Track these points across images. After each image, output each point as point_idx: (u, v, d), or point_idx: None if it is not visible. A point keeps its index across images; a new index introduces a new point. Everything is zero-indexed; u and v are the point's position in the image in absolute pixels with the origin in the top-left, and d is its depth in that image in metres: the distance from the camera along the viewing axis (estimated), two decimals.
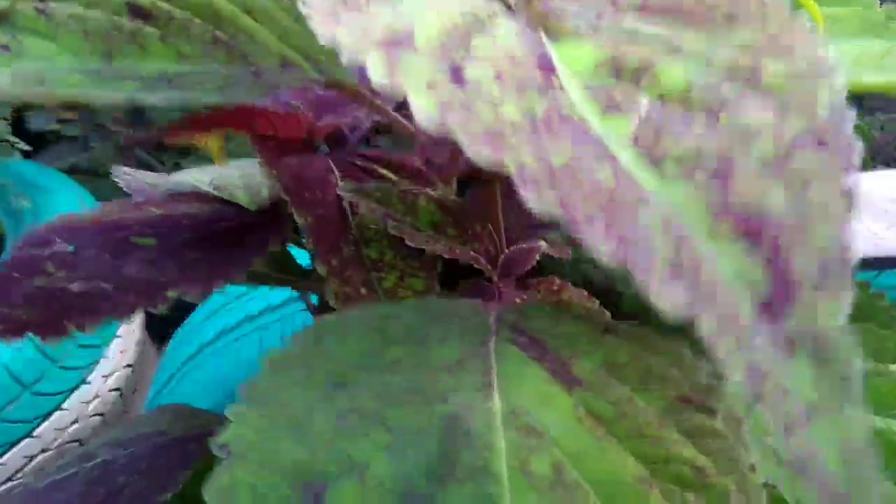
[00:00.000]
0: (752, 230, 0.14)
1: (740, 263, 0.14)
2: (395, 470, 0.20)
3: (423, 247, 0.29)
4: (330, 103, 0.33)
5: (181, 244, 0.29)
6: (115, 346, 0.87)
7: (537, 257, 0.31)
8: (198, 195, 0.33)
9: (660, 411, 0.22)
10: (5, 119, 0.88)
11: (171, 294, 0.26)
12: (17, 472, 0.75)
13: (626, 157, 0.16)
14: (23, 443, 0.75)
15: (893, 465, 0.31)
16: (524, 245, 0.31)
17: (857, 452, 0.12)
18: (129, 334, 0.90)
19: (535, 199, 0.15)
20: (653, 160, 0.16)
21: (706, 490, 0.20)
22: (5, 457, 0.74)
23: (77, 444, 0.82)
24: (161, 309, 0.26)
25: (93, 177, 1.14)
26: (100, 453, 0.41)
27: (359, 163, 0.32)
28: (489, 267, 0.30)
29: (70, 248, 0.29)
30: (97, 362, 0.82)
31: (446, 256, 0.29)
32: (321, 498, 0.20)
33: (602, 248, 0.14)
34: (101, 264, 0.28)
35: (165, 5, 0.27)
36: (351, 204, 0.30)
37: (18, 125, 1.10)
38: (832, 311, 0.13)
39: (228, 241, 0.30)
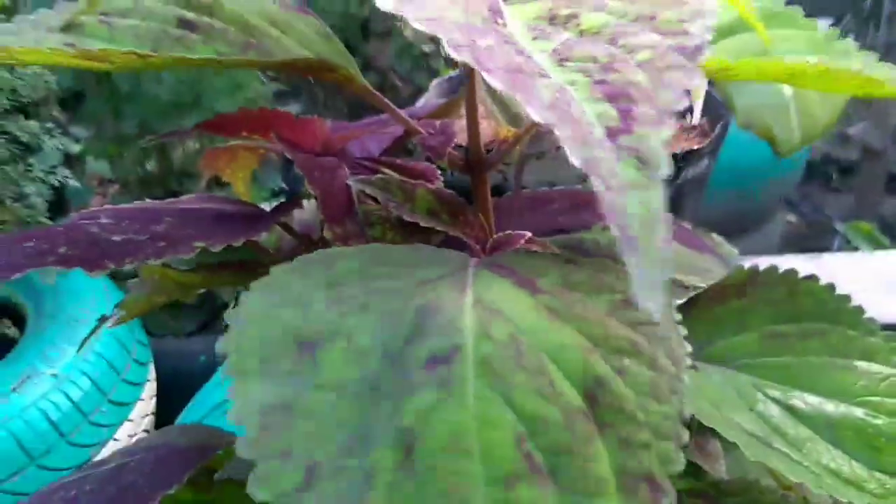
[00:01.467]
0: (617, 94, 0.19)
1: (603, 109, 0.19)
2: (375, 337, 0.23)
3: (420, 222, 0.33)
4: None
5: (202, 219, 0.34)
6: (139, 408, 0.90)
7: (522, 242, 0.34)
8: (216, 198, 0.38)
9: (605, 309, 0.25)
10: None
11: (197, 244, 0.30)
12: None
13: (540, 57, 0.21)
14: None
15: (857, 446, 0.33)
16: (511, 232, 0.35)
17: (652, 214, 0.16)
18: (150, 398, 0.93)
19: (458, 56, 0.19)
20: (560, 61, 0.21)
21: (639, 356, 0.23)
22: None
23: None
24: (188, 256, 0.30)
25: None
26: (112, 461, 0.44)
27: (366, 164, 0.37)
28: (477, 247, 0.34)
29: (112, 221, 0.34)
30: (125, 421, 0.85)
31: (439, 229, 0.33)
32: (313, 354, 0.23)
33: (497, 83, 0.18)
34: (136, 225, 0.32)
35: (207, 19, 0.33)
36: (358, 197, 0.35)
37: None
38: (656, 138, 0.17)
39: (240, 221, 0.34)
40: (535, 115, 0.18)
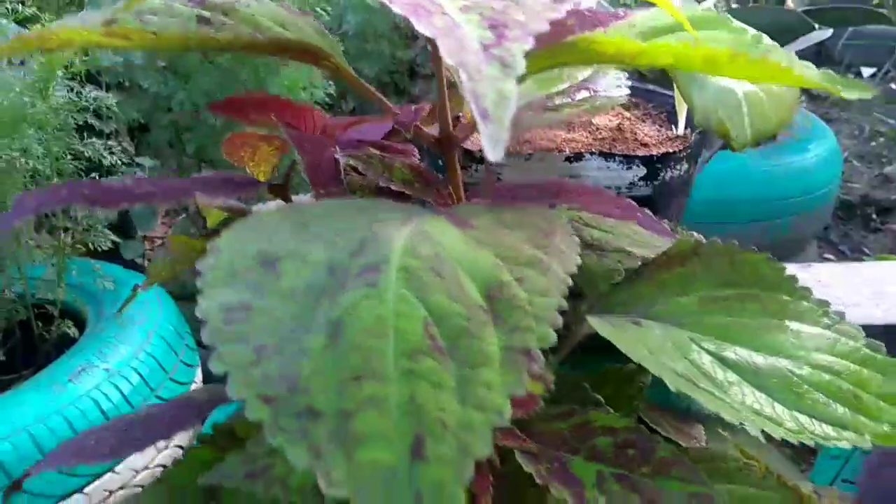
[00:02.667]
0: (498, 25, 0.24)
1: (484, 33, 0.24)
2: (326, 256, 0.29)
3: (394, 188, 0.39)
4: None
5: (209, 183, 0.40)
6: None
7: None
8: (229, 173, 0.44)
9: (523, 238, 0.30)
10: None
11: (198, 194, 0.37)
12: None
13: (451, 9, 0.26)
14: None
15: (780, 392, 0.37)
16: (478, 200, 0.40)
17: (504, 96, 0.22)
18: None
19: (389, 6, 0.25)
20: (464, 7, 0.26)
21: (537, 267, 0.28)
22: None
23: None
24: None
25: None
26: (143, 412, 0.50)
27: (356, 144, 0.42)
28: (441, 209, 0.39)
29: (139, 183, 0.40)
30: None
31: (410, 194, 0.38)
32: (274, 268, 0.28)
33: (398, 9, 0.24)
34: (153, 183, 0.39)
35: (222, 17, 0.39)
36: (345, 169, 0.41)
37: None
38: (518, 49, 0.23)
39: (238, 185, 0.40)
40: (423, 30, 0.23)
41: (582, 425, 0.37)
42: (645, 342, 0.38)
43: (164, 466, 0.96)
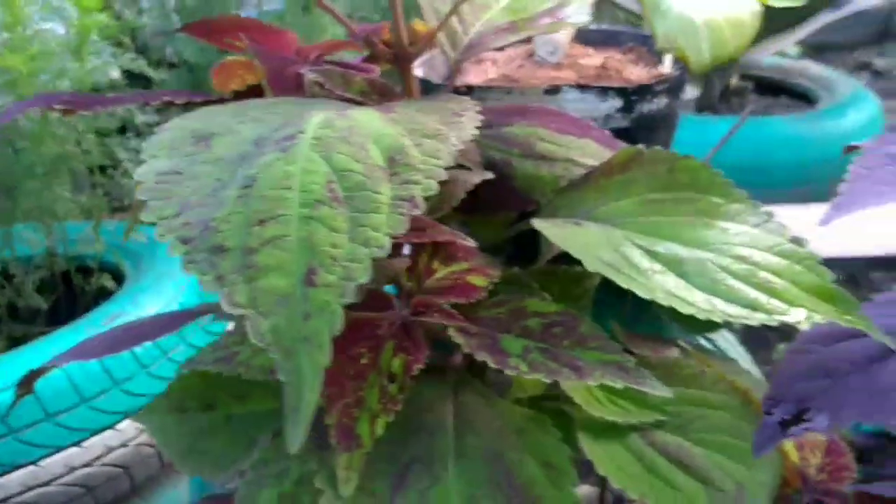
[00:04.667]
0: None
1: None
2: (255, 133, 0.32)
3: (350, 96, 0.42)
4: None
5: (181, 94, 0.44)
6: None
7: None
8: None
9: (435, 119, 0.33)
10: None
11: (165, 98, 0.41)
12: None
13: None
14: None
15: (700, 279, 0.39)
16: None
17: None
18: None
19: None
20: None
21: (437, 136, 0.31)
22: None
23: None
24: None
25: None
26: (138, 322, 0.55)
27: (321, 63, 0.46)
28: None
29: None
30: None
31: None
32: (208, 143, 0.32)
33: None
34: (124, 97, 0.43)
35: None
36: (308, 86, 0.44)
37: None
38: None
39: (203, 97, 0.44)
40: None
41: (518, 310, 0.40)
42: (581, 239, 0.41)
43: None
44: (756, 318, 0.37)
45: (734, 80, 1.97)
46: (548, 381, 0.36)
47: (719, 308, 0.38)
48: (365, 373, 0.36)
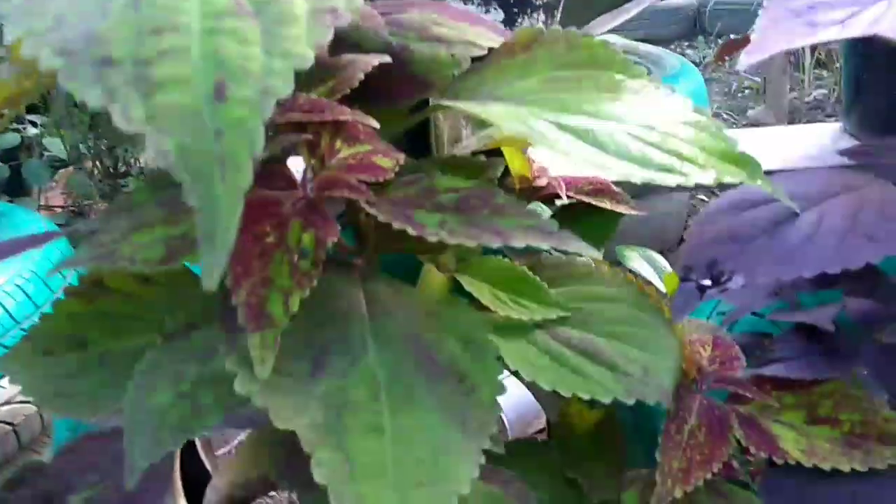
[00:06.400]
0: None
1: None
2: None
3: None
4: None
5: None
6: None
7: None
8: None
9: None
10: None
11: None
12: None
13: None
14: None
15: (610, 144, 0.38)
16: None
17: None
18: None
19: None
20: None
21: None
22: None
23: None
24: None
25: None
26: None
27: None
28: None
29: None
30: None
31: None
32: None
33: None
34: None
35: None
36: None
37: None
38: None
39: None
40: None
41: (429, 189, 0.38)
42: (485, 113, 0.39)
43: None
44: (671, 181, 0.37)
45: None
46: (471, 244, 0.33)
47: (636, 173, 0.37)
48: (271, 251, 0.33)
